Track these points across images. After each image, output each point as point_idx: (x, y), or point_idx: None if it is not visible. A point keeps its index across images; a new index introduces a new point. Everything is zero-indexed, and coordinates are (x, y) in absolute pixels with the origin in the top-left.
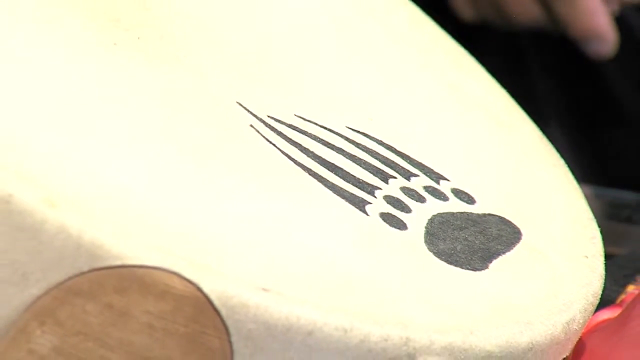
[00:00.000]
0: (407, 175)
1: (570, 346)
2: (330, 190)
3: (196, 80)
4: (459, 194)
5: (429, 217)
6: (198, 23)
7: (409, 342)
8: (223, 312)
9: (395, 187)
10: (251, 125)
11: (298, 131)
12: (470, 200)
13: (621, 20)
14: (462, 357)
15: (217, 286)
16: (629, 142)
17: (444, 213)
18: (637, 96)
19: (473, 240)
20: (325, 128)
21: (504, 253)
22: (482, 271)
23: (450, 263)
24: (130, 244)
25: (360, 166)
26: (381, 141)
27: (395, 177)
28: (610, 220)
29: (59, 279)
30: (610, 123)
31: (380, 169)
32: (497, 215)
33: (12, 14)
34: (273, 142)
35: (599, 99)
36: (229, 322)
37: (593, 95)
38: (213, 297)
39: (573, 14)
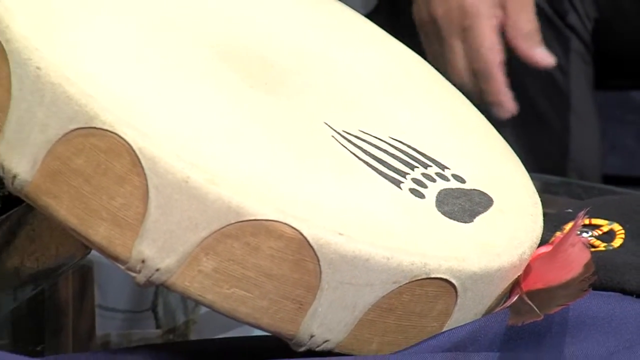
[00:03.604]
0: (425, 166)
1: (522, 269)
2: (379, 174)
3: (300, 109)
4: (456, 177)
5: (438, 191)
6: (300, 72)
7: (426, 266)
8: (315, 247)
9: (418, 173)
10: (332, 136)
11: (360, 139)
12: (462, 180)
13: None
14: (458, 275)
15: (312, 232)
16: (550, 147)
17: (447, 189)
18: (551, 111)
19: (464, 204)
20: (377, 137)
21: (483, 213)
22: (470, 223)
23: (451, 218)
24: (261, 206)
25: (397, 160)
26: (409, 145)
27: (417, 167)
28: (545, 192)
29: (217, 227)
30: (539, 132)
31: (408, 162)
32: (478, 190)
33: (193, 70)
34: (345, 146)
35: (530, 118)
36: (319, 254)
37: (527, 115)
38: (310, 238)
39: (488, 88)
